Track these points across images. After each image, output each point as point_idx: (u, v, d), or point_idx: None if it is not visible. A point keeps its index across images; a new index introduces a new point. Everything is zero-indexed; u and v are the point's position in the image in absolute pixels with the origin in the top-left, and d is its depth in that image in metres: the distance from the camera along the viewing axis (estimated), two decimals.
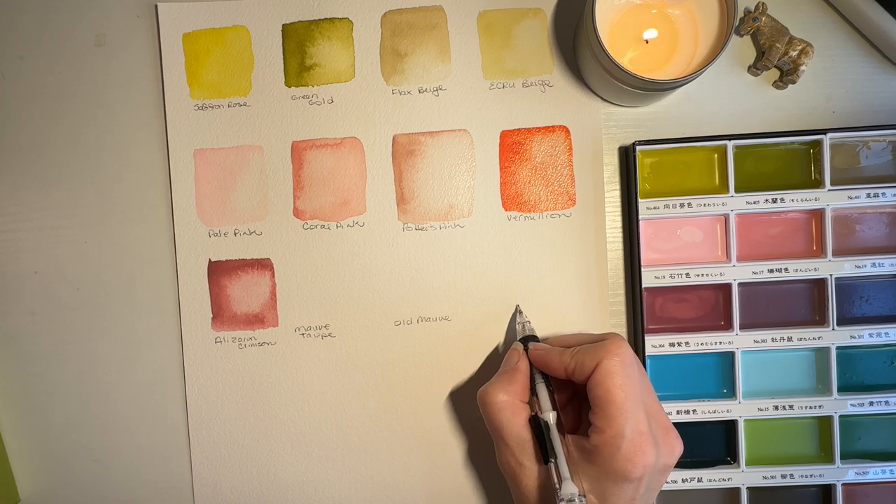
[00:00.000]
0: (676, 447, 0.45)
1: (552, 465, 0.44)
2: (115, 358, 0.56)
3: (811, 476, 0.53)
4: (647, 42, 0.50)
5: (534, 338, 0.51)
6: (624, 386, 0.43)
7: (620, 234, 0.55)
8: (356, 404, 0.56)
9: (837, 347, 0.53)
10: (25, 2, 0.55)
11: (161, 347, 0.56)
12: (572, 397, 0.50)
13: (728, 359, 0.54)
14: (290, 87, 0.55)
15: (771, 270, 0.53)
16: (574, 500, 0.42)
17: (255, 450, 0.56)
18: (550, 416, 0.46)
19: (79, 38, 0.55)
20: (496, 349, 0.55)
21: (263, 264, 0.55)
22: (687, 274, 0.53)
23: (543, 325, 0.55)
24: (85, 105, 0.55)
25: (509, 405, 0.46)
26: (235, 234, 0.55)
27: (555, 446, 0.44)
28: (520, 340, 0.51)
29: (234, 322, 0.55)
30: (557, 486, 0.43)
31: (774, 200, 0.53)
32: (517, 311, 0.55)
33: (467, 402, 0.56)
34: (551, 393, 0.47)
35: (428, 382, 0.55)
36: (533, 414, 0.46)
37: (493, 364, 0.55)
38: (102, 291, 0.56)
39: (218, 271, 0.55)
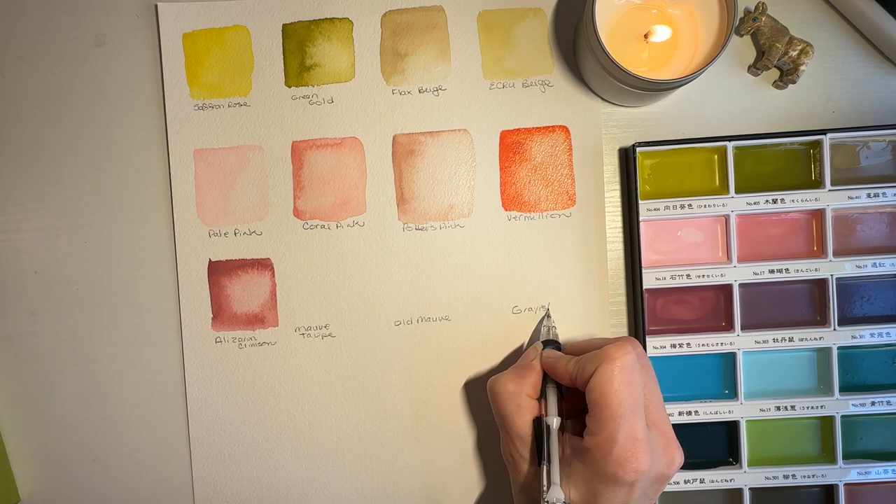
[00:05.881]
0: (677, 458, 0.45)
1: (544, 468, 0.45)
2: (115, 358, 0.56)
3: (813, 476, 0.53)
4: (646, 41, 0.50)
5: (555, 343, 0.51)
6: (619, 392, 0.43)
7: (620, 234, 0.55)
8: (356, 404, 0.56)
9: (839, 348, 0.53)
10: (25, 2, 0.55)
11: (161, 347, 0.56)
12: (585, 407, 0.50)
13: (729, 360, 0.54)
14: (290, 87, 0.55)
15: (772, 271, 0.53)
16: None
17: (255, 449, 0.56)
18: (554, 421, 0.46)
19: (79, 38, 0.55)
20: (496, 349, 0.55)
21: (263, 264, 0.55)
22: (688, 275, 0.53)
23: None
24: (85, 105, 0.55)
25: (515, 397, 0.47)
26: (235, 234, 0.55)
27: (551, 450, 0.45)
28: (542, 341, 0.51)
29: (234, 322, 0.55)
30: (545, 488, 0.44)
31: (775, 201, 0.53)
32: (546, 315, 0.55)
33: (467, 402, 0.56)
34: (559, 399, 0.48)
35: (428, 382, 0.55)
36: (538, 415, 0.47)
37: (493, 364, 0.55)
38: (102, 291, 0.56)
39: (218, 271, 0.55)
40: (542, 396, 0.48)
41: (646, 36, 0.50)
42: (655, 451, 0.44)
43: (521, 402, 0.47)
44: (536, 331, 0.55)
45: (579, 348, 0.49)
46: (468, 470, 0.56)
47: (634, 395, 0.43)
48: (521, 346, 0.55)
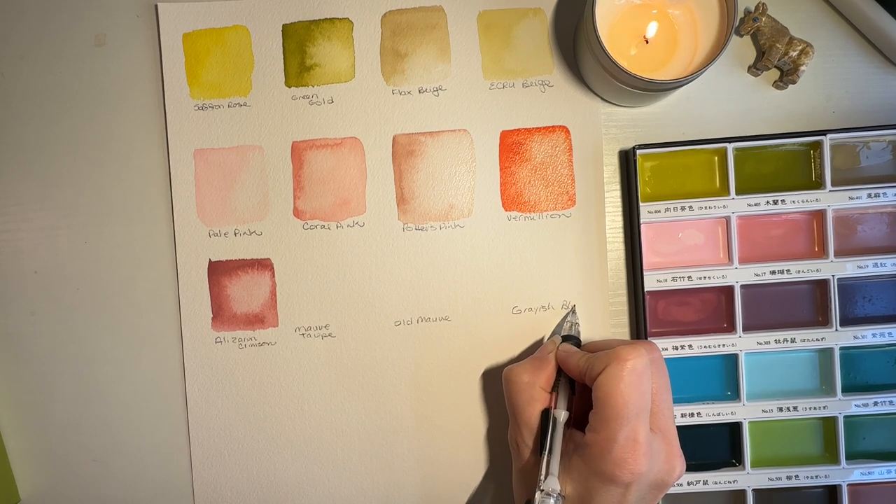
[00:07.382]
0: (678, 468, 0.45)
1: (544, 458, 0.45)
2: (115, 358, 0.56)
3: (816, 477, 0.53)
4: (647, 42, 0.50)
5: (576, 339, 0.51)
6: (625, 393, 0.43)
7: (621, 234, 0.55)
8: (356, 404, 0.56)
9: (841, 348, 0.53)
10: (25, 2, 0.55)
11: (161, 347, 0.56)
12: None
13: (731, 361, 0.54)
14: (290, 87, 0.55)
15: (773, 272, 0.53)
16: (552, 496, 0.43)
17: (255, 450, 0.56)
18: (561, 415, 0.46)
19: (79, 38, 0.55)
20: (496, 349, 0.55)
21: (263, 264, 0.55)
22: (689, 277, 0.53)
23: (544, 326, 0.55)
24: (85, 105, 0.55)
25: (529, 388, 0.48)
26: (235, 234, 0.55)
27: (554, 443, 0.46)
28: (562, 336, 0.52)
29: (234, 322, 0.55)
30: (543, 477, 0.44)
31: (776, 202, 0.53)
32: (571, 311, 0.55)
33: (467, 402, 0.55)
34: (570, 394, 0.48)
35: (428, 382, 0.55)
36: (547, 407, 0.47)
37: (493, 364, 0.55)
38: (102, 291, 0.56)
39: (218, 271, 0.55)
40: (555, 389, 0.48)
41: (646, 38, 0.50)
42: (656, 457, 0.44)
43: (534, 393, 0.48)
44: (560, 325, 0.55)
45: (598, 347, 0.49)
46: (468, 470, 0.56)
47: (641, 398, 0.43)
48: (522, 347, 0.55)
